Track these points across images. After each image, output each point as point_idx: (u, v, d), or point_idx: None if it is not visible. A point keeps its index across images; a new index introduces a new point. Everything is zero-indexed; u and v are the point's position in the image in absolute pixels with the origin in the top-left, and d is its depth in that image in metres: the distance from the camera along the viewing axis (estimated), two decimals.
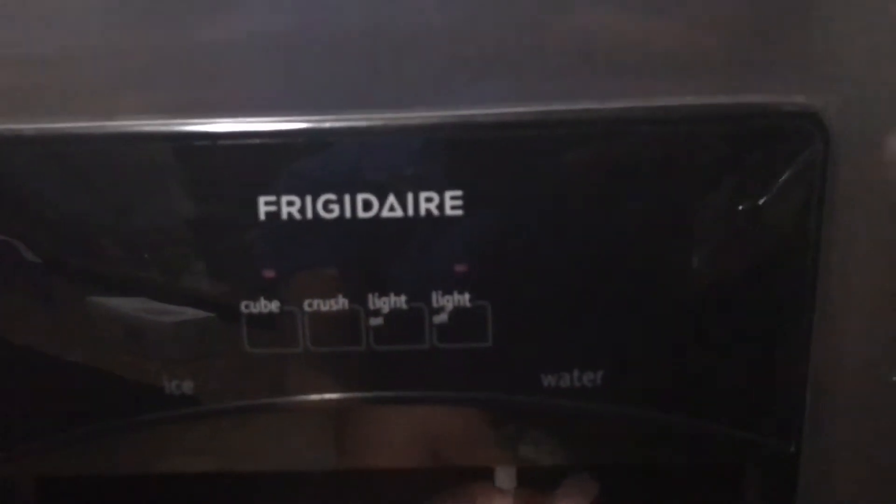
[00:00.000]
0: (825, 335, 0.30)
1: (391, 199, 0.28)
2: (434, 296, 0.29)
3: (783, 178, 0.27)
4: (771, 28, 0.27)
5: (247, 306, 0.29)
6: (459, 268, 0.28)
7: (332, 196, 0.28)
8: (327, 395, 0.30)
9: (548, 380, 0.29)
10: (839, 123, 0.28)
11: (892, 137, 0.28)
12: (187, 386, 0.29)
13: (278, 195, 0.28)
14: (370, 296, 0.29)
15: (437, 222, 0.28)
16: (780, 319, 0.29)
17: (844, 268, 0.29)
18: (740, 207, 0.28)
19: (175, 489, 0.37)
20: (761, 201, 0.28)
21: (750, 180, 0.28)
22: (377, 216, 0.28)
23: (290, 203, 0.28)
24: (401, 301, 0.29)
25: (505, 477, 0.36)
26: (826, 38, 0.27)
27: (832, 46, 0.28)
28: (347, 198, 0.28)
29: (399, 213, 0.28)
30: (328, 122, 0.28)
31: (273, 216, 0.28)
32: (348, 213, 0.28)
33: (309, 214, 0.28)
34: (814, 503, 0.32)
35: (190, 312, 0.29)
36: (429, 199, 0.28)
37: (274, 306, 0.29)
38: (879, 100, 0.28)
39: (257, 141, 0.27)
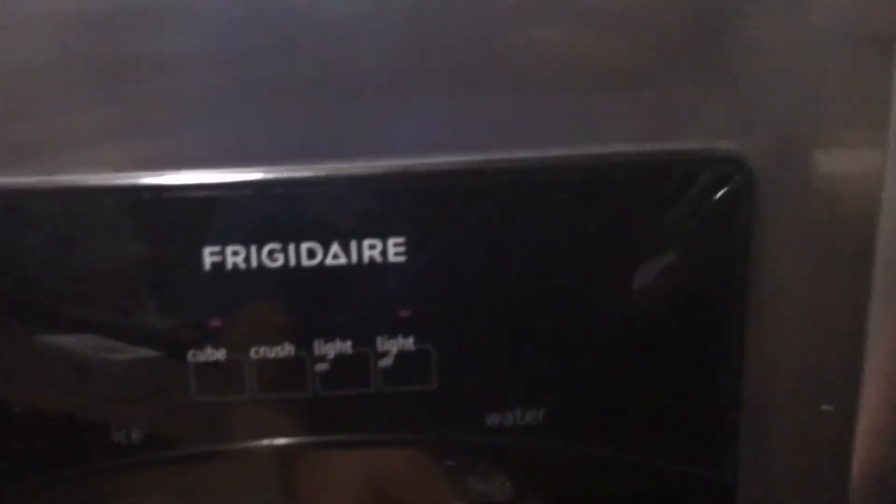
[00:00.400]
0: (757, 369, 0.31)
1: (335, 247, 0.28)
2: (379, 340, 0.29)
3: (711, 220, 0.29)
4: (696, 76, 0.29)
5: (194, 355, 0.29)
6: (403, 313, 0.29)
7: (276, 245, 0.28)
8: (275, 441, 0.30)
9: (492, 419, 0.30)
10: (763, 167, 0.29)
11: (813, 179, 0.30)
12: (136, 434, 0.30)
13: (223, 245, 0.28)
14: (316, 342, 0.29)
15: (380, 269, 0.29)
16: (713, 355, 0.31)
17: (773, 305, 0.30)
18: (672, 250, 0.29)
19: None
20: (691, 243, 0.29)
21: (680, 223, 0.29)
22: (321, 264, 0.28)
23: (235, 253, 0.28)
24: (346, 346, 0.29)
25: None
26: (749, 85, 0.29)
27: (755, 93, 0.29)
28: (292, 247, 0.28)
29: (343, 260, 0.28)
30: (272, 174, 0.28)
31: (218, 266, 0.28)
32: (293, 262, 0.28)
33: (254, 264, 0.28)
34: None
35: (140, 351, 0.29)
36: (372, 247, 0.28)
37: (220, 354, 0.29)
38: (800, 144, 0.29)
39: (201, 193, 0.28)
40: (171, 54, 0.28)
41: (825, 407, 0.32)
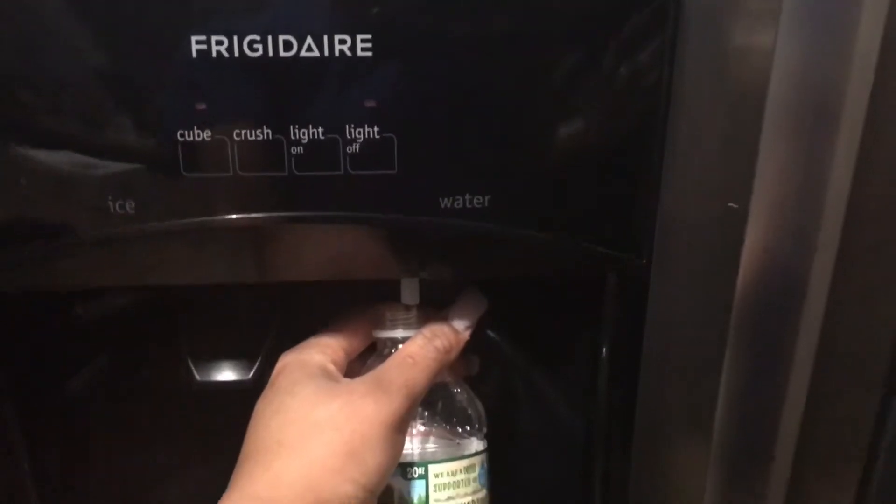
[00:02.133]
0: (675, 168, 0.36)
1: (309, 40, 0.32)
2: (347, 128, 0.33)
3: (641, 25, 0.33)
4: None
5: (182, 135, 0.32)
6: (369, 104, 0.33)
7: (255, 37, 0.31)
8: (254, 215, 0.34)
9: (445, 202, 0.35)
10: None
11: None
12: (131, 205, 0.33)
13: (208, 35, 0.31)
14: (292, 127, 0.33)
15: (349, 62, 0.32)
16: (637, 154, 0.35)
17: (691, 112, 0.35)
18: (604, 52, 0.33)
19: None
20: (622, 46, 0.33)
21: (611, 28, 0.33)
22: (297, 56, 0.32)
23: (219, 42, 0.31)
24: (318, 132, 0.33)
25: (409, 292, 0.42)
26: None
27: None
28: (270, 38, 0.31)
29: (316, 53, 0.32)
30: None
31: (204, 54, 0.31)
32: (271, 52, 0.32)
33: (236, 53, 0.31)
34: (660, 307, 0.39)
35: (116, 166, 0.33)
36: (342, 42, 0.32)
37: (206, 135, 0.33)
38: None
39: None
40: None
41: (731, 204, 0.37)
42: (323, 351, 0.41)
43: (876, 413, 0.40)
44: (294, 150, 0.33)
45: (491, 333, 0.52)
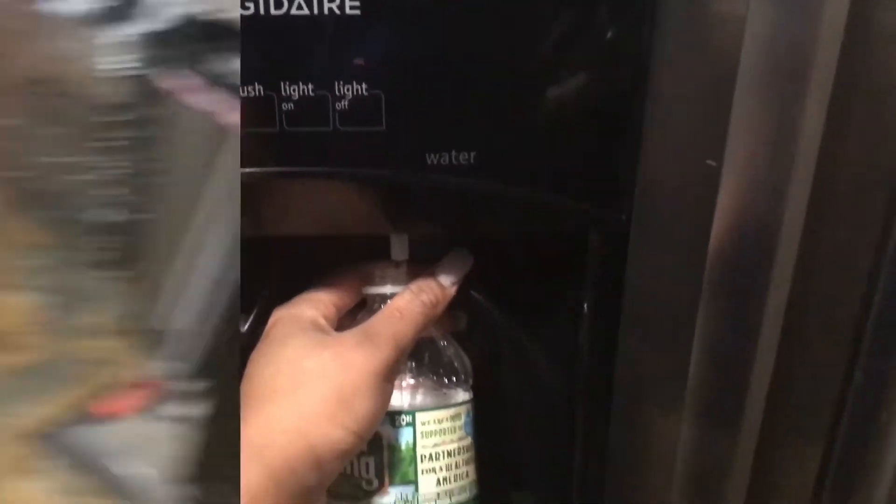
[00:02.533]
0: (655, 126, 0.37)
1: None
2: (336, 85, 0.34)
3: None
4: None
5: None
6: (357, 61, 0.34)
7: None
8: (246, 170, 0.35)
9: (431, 158, 0.36)
10: None
11: None
12: None
13: None
14: (282, 83, 0.34)
15: (338, 20, 0.33)
16: (618, 113, 0.36)
17: (670, 72, 0.36)
18: (589, 13, 0.34)
19: None
20: (606, 7, 0.34)
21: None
22: (287, 13, 0.33)
23: None
24: (308, 89, 0.34)
25: (398, 249, 0.43)
26: None
27: None
28: None
29: (306, 11, 0.33)
30: None
31: None
32: (262, 10, 0.32)
33: None
34: (640, 263, 0.40)
35: None
36: (331, 0, 0.33)
37: None
38: None
39: None
40: None
41: (710, 162, 0.38)
42: (315, 306, 0.42)
43: (845, 364, 0.41)
44: (285, 106, 0.34)
45: (474, 293, 0.53)
